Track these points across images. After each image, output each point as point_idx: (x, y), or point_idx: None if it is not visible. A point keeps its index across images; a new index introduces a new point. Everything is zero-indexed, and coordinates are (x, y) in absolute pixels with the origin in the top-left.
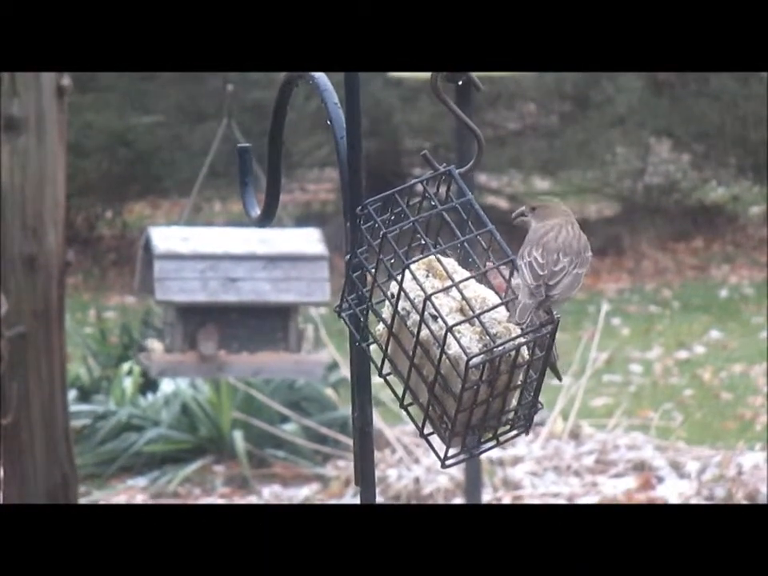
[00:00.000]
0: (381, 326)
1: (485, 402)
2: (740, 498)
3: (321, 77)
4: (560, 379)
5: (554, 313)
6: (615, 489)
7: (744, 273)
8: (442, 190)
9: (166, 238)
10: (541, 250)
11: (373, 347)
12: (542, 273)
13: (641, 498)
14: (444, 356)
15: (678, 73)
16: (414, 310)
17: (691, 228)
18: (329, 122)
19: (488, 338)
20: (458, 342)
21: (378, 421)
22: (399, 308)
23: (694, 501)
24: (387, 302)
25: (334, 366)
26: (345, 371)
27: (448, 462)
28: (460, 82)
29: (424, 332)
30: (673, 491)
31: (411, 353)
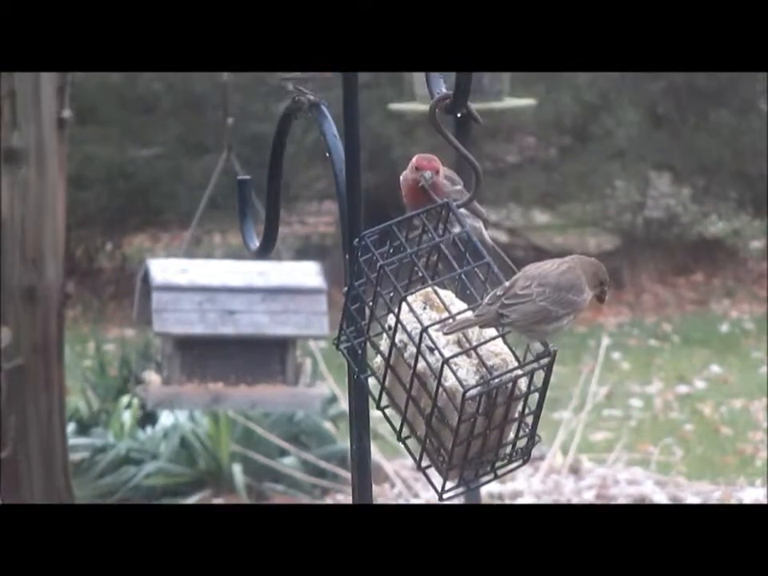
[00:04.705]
0: (379, 358)
1: (482, 434)
2: None
3: (320, 109)
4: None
5: (550, 345)
6: None
7: (744, 307)
8: (441, 223)
9: (164, 269)
10: (519, 275)
11: (372, 380)
12: (499, 294)
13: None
14: (441, 388)
15: (678, 107)
16: (410, 342)
17: (691, 262)
18: (327, 155)
19: (485, 370)
20: (455, 375)
21: (376, 454)
22: (396, 340)
23: None
24: (385, 335)
25: (333, 400)
26: (344, 405)
27: (445, 495)
28: (459, 114)
29: (421, 364)
30: None
31: (408, 385)
